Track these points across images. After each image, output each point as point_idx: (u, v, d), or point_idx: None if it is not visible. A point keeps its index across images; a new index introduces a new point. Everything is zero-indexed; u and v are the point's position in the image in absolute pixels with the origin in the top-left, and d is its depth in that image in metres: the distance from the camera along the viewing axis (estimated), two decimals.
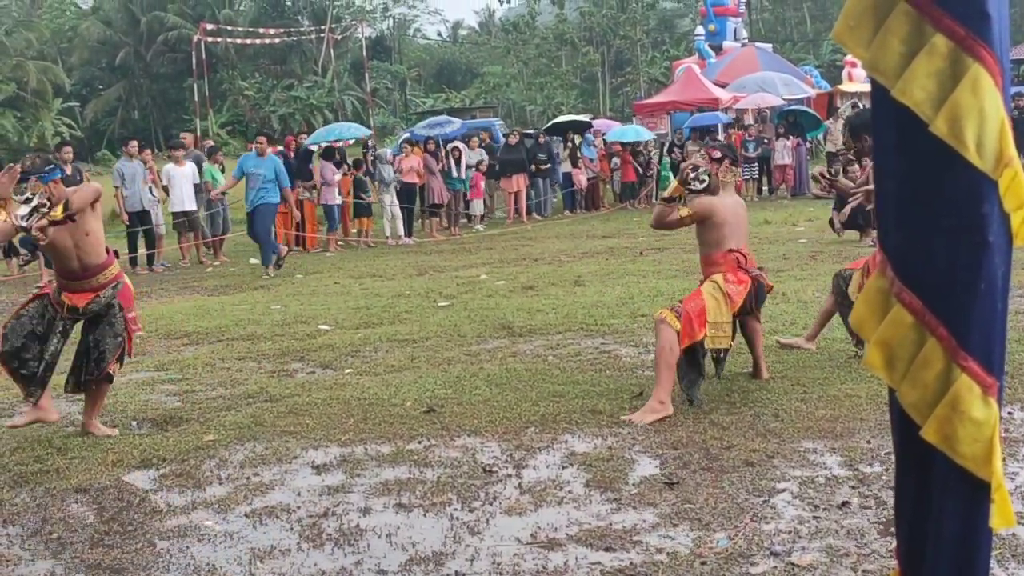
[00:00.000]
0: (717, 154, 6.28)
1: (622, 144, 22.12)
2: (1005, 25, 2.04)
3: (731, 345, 6.15)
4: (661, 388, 5.74)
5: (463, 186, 19.08)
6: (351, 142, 20.39)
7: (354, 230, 17.94)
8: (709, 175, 6.11)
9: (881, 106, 2.11)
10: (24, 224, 5.55)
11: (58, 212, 5.71)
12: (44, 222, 5.61)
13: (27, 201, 5.59)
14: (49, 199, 5.67)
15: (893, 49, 2.03)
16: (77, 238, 5.95)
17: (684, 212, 6.14)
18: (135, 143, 15.81)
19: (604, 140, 22.70)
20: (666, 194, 6.33)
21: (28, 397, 6.00)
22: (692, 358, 5.90)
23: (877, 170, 2.19)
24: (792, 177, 21.79)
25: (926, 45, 2.00)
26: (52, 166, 5.93)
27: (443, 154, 18.62)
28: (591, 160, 21.71)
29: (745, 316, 6.24)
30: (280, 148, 17.11)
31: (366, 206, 17.46)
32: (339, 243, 17.12)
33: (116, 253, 6.36)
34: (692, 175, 6.10)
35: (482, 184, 19.87)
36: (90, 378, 6.05)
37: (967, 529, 2.11)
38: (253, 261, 15.49)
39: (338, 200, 16.71)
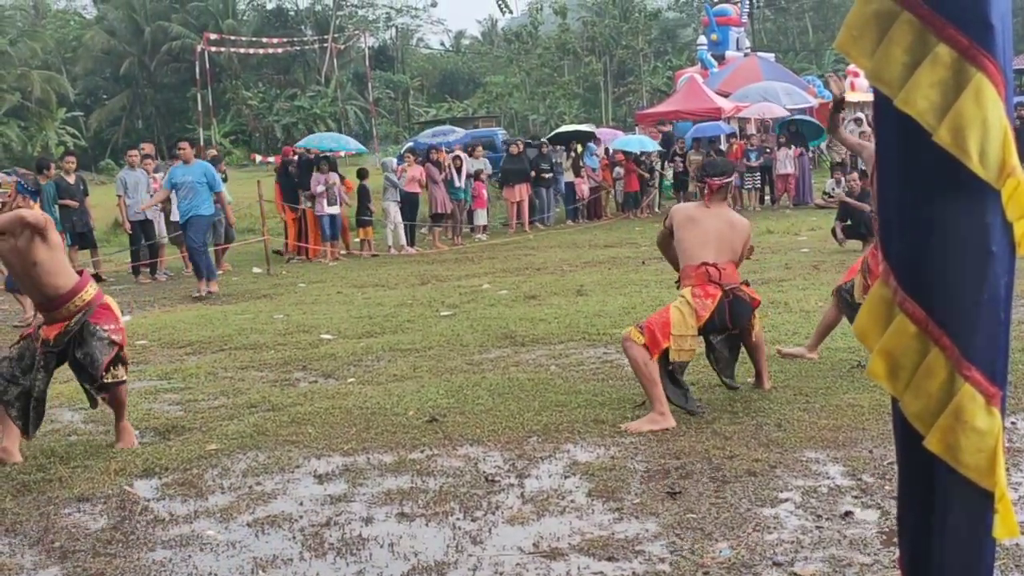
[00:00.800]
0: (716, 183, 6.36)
1: (625, 153, 22.12)
2: (1008, 35, 2.05)
3: (723, 357, 6.19)
4: (656, 401, 5.75)
5: (465, 196, 19.08)
6: (342, 153, 20.16)
7: (356, 240, 17.94)
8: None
9: (884, 116, 2.11)
10: None
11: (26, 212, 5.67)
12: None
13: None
14: (5, 201, 5.74)
15: (896, 59, 2.04)
16: (26, 268, 5.79)
17: (664, 222, 6.25)
18: (135, 152, 15.82)
19: (607, 149, 22.71)
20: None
21: (28, 437, 5.88)
22: (671, 375, 5.89)
23: (879, 180, 2.19)
24: (794, 187, 21.80)
25: (929, 55, 2.01)
26: (36, 189, 5.89)
27: (445, 164, 18.62)
28: (593, 170, 21.73)
29: (742, 330, 6.21)
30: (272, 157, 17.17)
31: (368, 216, 17.45)
32: (340, 253, 17.09)
33: (98, 277, 6.17)
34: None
35: (485, 193, 19.88)
36: (92, 386, 5.95)
37: (971, 539, 2.10)
38: (256, 270, 15.51)
39: (328, 210, 16.65)
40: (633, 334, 5.83)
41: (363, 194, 17.47)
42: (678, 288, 6.19)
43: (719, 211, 6.24)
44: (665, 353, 5.84)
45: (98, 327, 5.88)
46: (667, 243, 6.39)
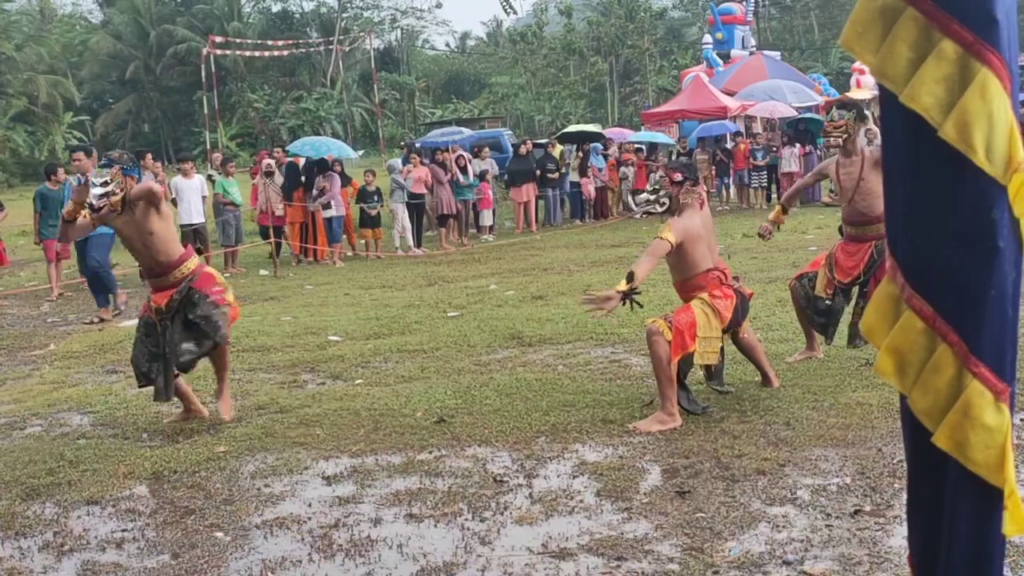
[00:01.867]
0: (678, 177, 6.02)
1: (635, 152, 22.08)
2: (1013, 30, 2.04)
3: (721, 361, 6.13)
4: (667, 400, 5.73)
5: (471, 196, 19.08)
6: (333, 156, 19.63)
7: (361, 241, 17.94)
8: (670, 197, 5.98)
9: (890, 112, 2.10)
10: (95, 203, 6.17)
11: (117, 200, 6.26)
12: (106, 205, 6.21)
13: (104, 184, 6.22)
14: (123, 188, 6.26)
15: (901, 55, 2.03)
16: (143, 239, 6.37)
17: (669, 237, 5.79)
18: (150, 156, 15.84)
19: (620, 147, 22.68)
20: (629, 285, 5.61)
21: (159, 399, 6.53)
22: (677, 376, 5.85)
23: (886, 176, 2.18)
24: None
25: (934, 50, 2.00)
26: (135, 164, 6.51)
27: (450, 164, 18.61)
28: (599, 169, 21.71)
29: (733, 331, 6.19)
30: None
31: (373, 217, 17.41)
32: (343, 254, 17.06)
33: (199, 250, 6.83)
34: (652, 198, 6.01)
35: (491, 194, 19.87)
36: (204, 347, 6.48)
37: (980, 536, 2.10)
38: (263, 272, 15.53)
39: (331, 212, 16.64)
40: (662, 327, 5.75)
41: (364, 196, 17.44)
42: (688, 298, 6.06)
43: (702, 215, 6.09)
44: (680, 358, 5.80)
45: (203, 291, 6.43)
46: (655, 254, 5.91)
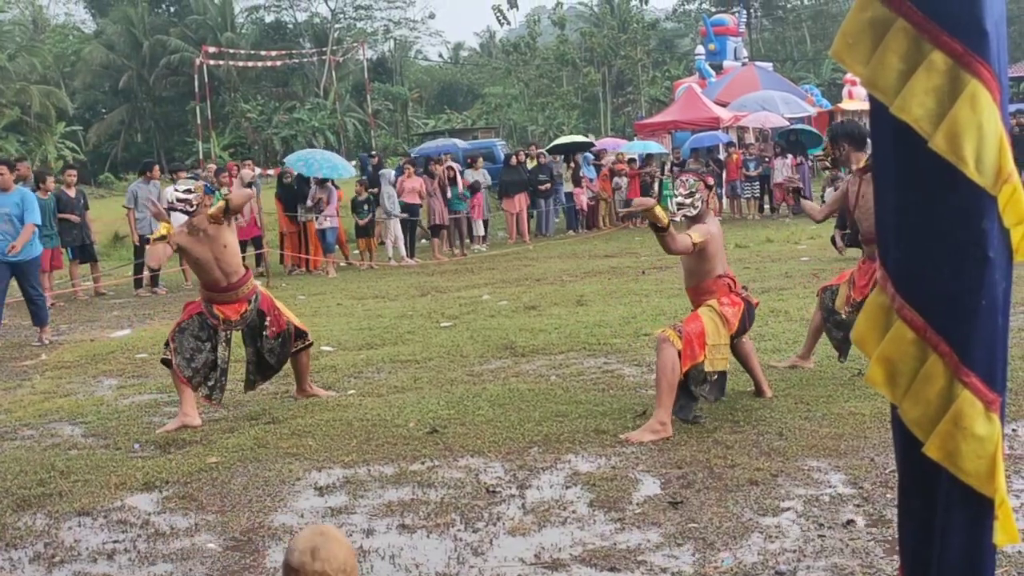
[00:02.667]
0: (711, 181, 6.22)
1: (628, 162, 22.12)
2: (1003, 42, 2.05)
3: (727, 368, 6.15)
4: (662, 409, 5.73)
5: (464, 207, 19.09)
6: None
7: (356, 252, 17.93)
8: (704, 201, 6.07)
9: (880, 123, 2.11)
10: (175, 202, 6.66)
11: (216, 209, 6.69)
12: (203, 215, 6.65)
13: (187, 192, 6.68)
14: (199, 202, 6.69)
15: (891, 66, 2.04)
16: (216, 251, 6.69)
17: (697, 239, 5.87)
18: (156, 166, 15.93)
19: (616, 156, 22.72)
20: (660, 222, 5.68)
21: (209, 400, 6.83)
22: (683, 384, 5.87)
23: (877, 187, 2.19)
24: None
25: (924, 62, 2.01)
26: (214, 188, 6.81)
27: (440, 174, 18.60)
28: (590, 180, 21.74)
29: (735, 338, 6.22)
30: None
31: (366, 227, 17.39)
32: (337, 264, 17.04)
33: (247, 269, 7.11)
34: (687, 202, 6.04)
35: (482, 204, 19.88)
36: (273, 369, 7.09)
37: (971, 546, 2.10)
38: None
39: (326, 224, 16.65)
40: (672, 336, 5.78)
41: (356, 206, 17.43)
42: (699, 303, 6.11)
43: (715, 222, 6.23)
44: (688, 369, 5.82)
45: (268, 316, 6.94)
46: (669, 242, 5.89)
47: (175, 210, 6.75)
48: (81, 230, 14.57)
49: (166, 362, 6.80)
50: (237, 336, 7.14)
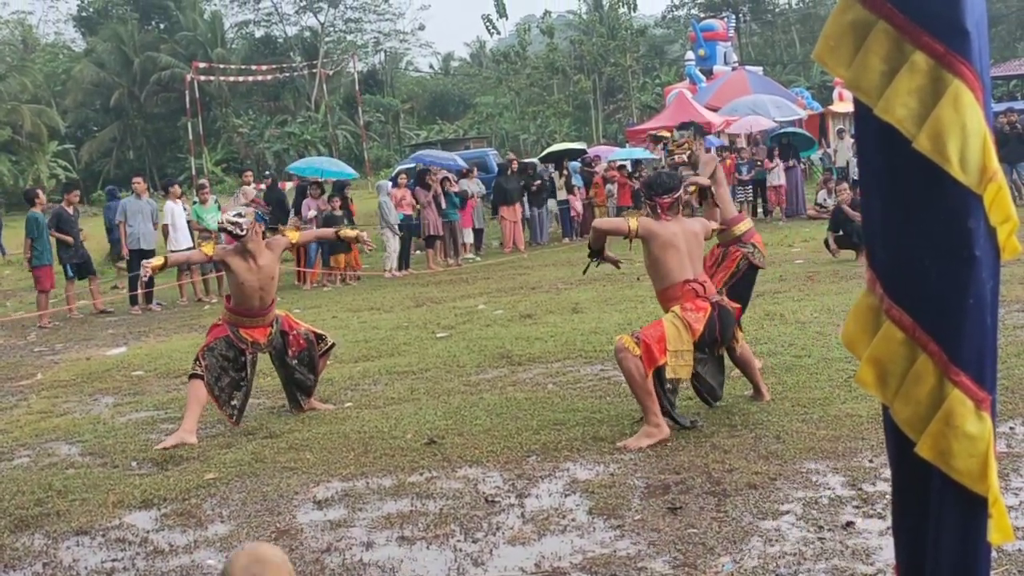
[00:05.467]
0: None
1: (619, 168, 22.15)
2: (984, 41, 2.06)
3: (710, 373, 6.13)
4: (650, 413, 5.73)
5: (457, 217, 19.10)
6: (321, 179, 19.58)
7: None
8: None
9: (864, 124, 2.12)
10: (226, 225, 6.95)
11: (294, 235, 7.57)
12: (257, 241, 7.00)
13: (239, 215, 6.96)
14: (250, 227, 6.95)
15: (874, 68, 2.05)
16: (263, 281, 7.01)
17: (632, 224, 6.05)
18: (142, 182, 16.07)
19: (608, 164, 22.77)
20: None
21: (232, 420, 6.95)
22: (658, 388, 5.86)
23: (863, 189, 2.20)
24: (785, 198, 21.84)
25: (906, 63, 2.02)
26: (265, 217, 7.25)
27: (434, 185, 18.61)
28: (578, 187, 21.78)
29: (727, 346, 6.19)
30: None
31: (342, 244, 17.36)
32: (327, 278, 17.00)
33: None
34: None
35: (473, 214, 19.89)
36: (307, 385, 7.32)
37: (965, 544, 2.10)
38: None
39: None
40: (628, 343, 5.76)
41: (331, 221, 17.38)
42: (665, 308, 6.11)
43: (683, 225, 6.13)
44: (658, 371, 5.81)
45: (290, 334, 7.21)
46: (604, 237, 6.35)
47: (225, 231, 7.04)
48: (77, 249, 14.71)
49: (196, 376, 6.86)
50: (263, 360, 7.46)
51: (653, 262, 6.06)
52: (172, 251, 15.55)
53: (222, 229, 7.09)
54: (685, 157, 7.25)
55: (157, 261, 7.27)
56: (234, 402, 6.94)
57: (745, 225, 7.31)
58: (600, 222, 6.56)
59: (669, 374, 5.84)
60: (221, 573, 2.28)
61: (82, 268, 14.88)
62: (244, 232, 6.93)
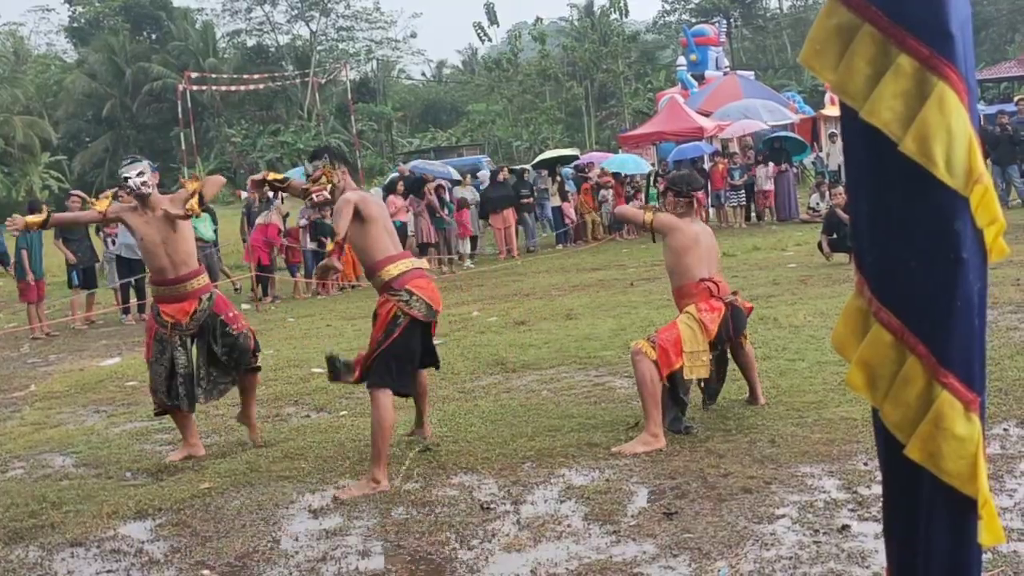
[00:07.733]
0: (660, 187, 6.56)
1: (613, 175, 22.14)
2: (969, 44, 2.07)
3: (712, 374, 6.13)
4: (651, 421, 5.73)
5: (450, 225, 19.11)
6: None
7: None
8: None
9: (851, 128, 2.13)
10: (139, 187, 6.35)
11: (193, 184, 6.54)
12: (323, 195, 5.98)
13: (140, 174, 6.36)
14: (154, 184, 6.46)
15: (860, 71, 2.06)
16: (164, 234, 6.36)
17: (648, 216, 6.15)
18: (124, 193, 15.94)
19: (600, 170, 22.76)
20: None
21: (188, 411, 6.52)
22: (673, 393, 5.88)
23: (850, 192, 2.21)
24: (773, 202, 21.87)
25: (892, 66, 2.03)
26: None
27: (428, 193, 18.63)
28: (572, 193, 21.80)
29: (734, 343, 6.22)
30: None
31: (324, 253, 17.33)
32: (312, 289, 16.99)
33: (200, 264, 6.78)
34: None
35: (468, 222, 19.90)
36: (233, 374, 6.59)
37: (956, 546, 2.10)
38: (245, 307, 15.47)
39: (310, 245, 16.63)
40: (645, 348, 5.78)
41: (321, 229, 17.37)
42: (680, 306, 6.13)
43: (703, 225, 6.29)
44: (674, 381, 5.83)
45: (220, 317, 6.49)
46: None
47: (139, 196, 6.40)
48: (85, 252, 14.70)
49: (160, 413, 6.71)
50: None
51: (674, 258, 6.11)
52: None
53: (136, 195, 6.40)
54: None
55: (36, 218, 6.58)
56: (179, 390, 6.41)
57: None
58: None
59: (687, 375, 5.87)
60: None
61: (87, 276, 14.85)
62: (151, 190, 6.40)
